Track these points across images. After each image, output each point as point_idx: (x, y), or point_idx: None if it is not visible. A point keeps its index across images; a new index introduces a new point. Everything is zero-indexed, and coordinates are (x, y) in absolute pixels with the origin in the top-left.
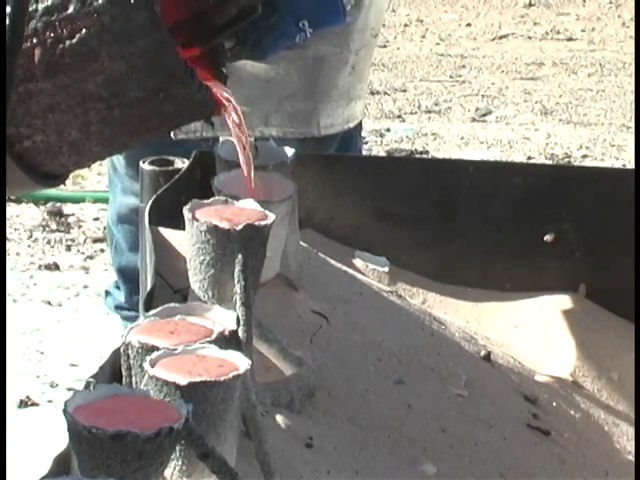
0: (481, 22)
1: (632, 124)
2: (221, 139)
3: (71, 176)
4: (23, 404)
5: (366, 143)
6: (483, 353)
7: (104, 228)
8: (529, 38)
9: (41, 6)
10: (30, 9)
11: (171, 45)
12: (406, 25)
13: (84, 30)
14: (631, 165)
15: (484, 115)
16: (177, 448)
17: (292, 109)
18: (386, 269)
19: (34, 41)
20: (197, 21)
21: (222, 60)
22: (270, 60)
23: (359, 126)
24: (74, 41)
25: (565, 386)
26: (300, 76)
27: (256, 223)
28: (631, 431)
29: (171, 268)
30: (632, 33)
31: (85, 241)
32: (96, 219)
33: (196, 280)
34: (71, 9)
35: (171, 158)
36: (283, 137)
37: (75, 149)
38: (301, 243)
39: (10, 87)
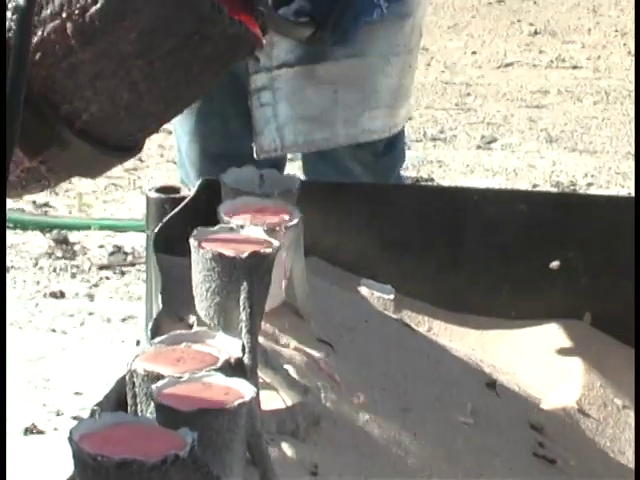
0: (486, 50)
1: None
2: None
3: (76, 203)
4: (28, 432)
5: None
6: (488, 381)
7: (109, 254)
8: (534, 66)
9: None
10: None
11: None
12: None
13: None
14: None
15: (489, 143)
16: (183, 476)
17: (361, 115)
18: (391, 297)
19: (63, 16)
20: None
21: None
22: (335, 69)
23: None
24: (99, 5)
25: (571, 414)
26: (366, 81)
27: (261, 251)
28: None
29: (177, 295)
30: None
31: (90, 268)
32: (101, 246)
33: (202, 307)
34: None
35: (177, 185)
36: (354, 143)
37: (132, 112)
38: (306, 271)
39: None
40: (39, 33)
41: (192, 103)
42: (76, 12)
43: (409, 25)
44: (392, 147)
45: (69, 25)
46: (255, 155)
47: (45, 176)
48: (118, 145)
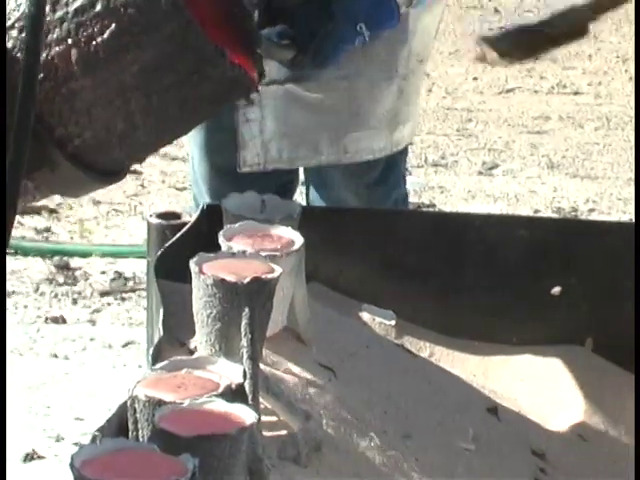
0: (487, 76)
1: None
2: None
3: (78, 229)
4: (29, 458)
5: None
6: (490, 406)
7: (111, 280)
8: (535, 92)
9: (71, 9)
10: (61, 13)
11: (197, 27)
12: None
13: (113, 25)
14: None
15: (491, 169)
16: None
17: (345, 136)
18: (393, 322)
19: (69, 42)
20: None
21: (255, 42)
22: (325, 90)
23: (404, 151)
24: (105, 36)
25: (572, 440)
26: (352, 103)
27: (263, 276)
28: None
29: (178, 321)
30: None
31: (92, 294)
32: (103, 272)
33: (203, 333)
34: (99, 7)
35: (178, 211)
36: (338, 164)
37: (124, 141)
38: (308, 296)
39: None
40: (43, 56)
41: (182, 136)
42: (82, 40)
43: (405, 51)
44: (386, 179)
45: (74, 52)
46: (238, 168)
47: (31, 192)
48: (105, 170)
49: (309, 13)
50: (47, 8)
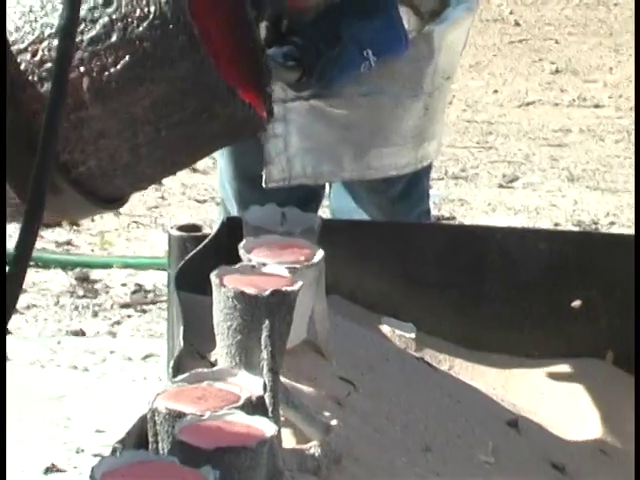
0: (508, 89)
1: None
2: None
3: (98, 241)
4: (49, 470)
5: None
6: (510, 420)
7: (131, 292)
8: (556, 105)
9: (86, 37)
10: (76, 41)
11: (211, 66)
12: None
13: (128, 57)
14: None
15: (511, 181)
16: None
17: (369, 152)
18: (413, 335)
19: (81, 70)
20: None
21: (267, 79)
22: (348, 106)
23: (428, 167)
24: (119, 68)
25: (592, 453)
26: (375, 120)
27: (283, 289)
28: None
29: (199, 334)
30: None
31: (112, 306)
32: (123, 285)
33: (223, 346)
34: (114, 38)
35: (199, 224)
36: (361, 179)
37: (129, 171)
38: (328, 309)
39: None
40: None
41: (186, 169)
42: (95, 69)
43: (430, 68)
44: (409, 194)
45: (86, 80)
46: (264, 184)
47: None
48: (106, 197)
49: (317, 35)
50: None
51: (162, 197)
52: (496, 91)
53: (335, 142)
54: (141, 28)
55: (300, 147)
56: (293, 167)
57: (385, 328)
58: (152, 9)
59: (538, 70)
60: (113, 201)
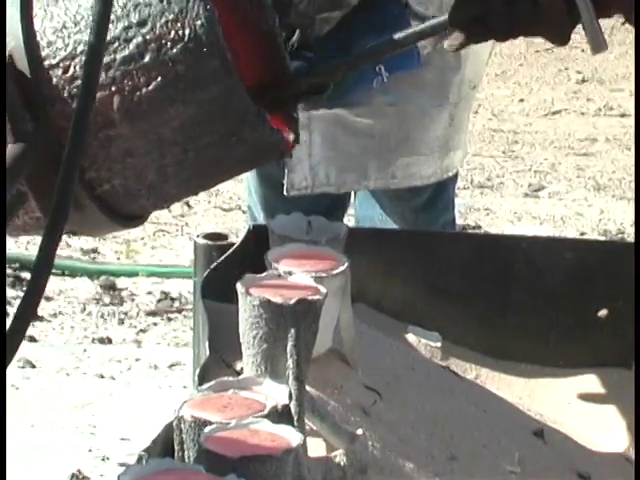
0: (534, 98)
1: None
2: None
3: (124, 250)
4: (74, 478)
5: None
6: (536, 429)
7: (157, 301)
8: (582, 114)
9: (119, 56)
10: (108, 59)
11: (242, 91)
12: None
13: (160, 78)
14: None
15: (537, 191)
16: None
17: (394, 162)
18: (439, 344)
19: (112, 89)
20: (264, 90)
21: (293, 104)
22: (373, 115)
23: (454, 177)
24: (150, 88)
25: (619, 463)
26: (401, 129)
27: (309, 297)
28: None
29: (224, 342)
30: None
31: (138, 314)
32: (149, 293)
33: (249, 354)
34: (147, 58)
35: (225, 232)
36: (385, 189)
37: (153, 191)
38: (353, 318)
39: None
40: None
41: (209, 189)
42: (126, 89)
43: (457, 78)
44: (434, 203)
45: (116, 99)
46: (285, 192)
47: None
48: (127, 215)
49: (328, 51)
50: None
51: (188, 205)
52: (522, 100)
53: (360, 151)
54: (175, 50)
55: (323, 155)
56: (316, 175)
57: (411, 337)
58: (187, 32)
59: (564, 79)
60: (133, 219)
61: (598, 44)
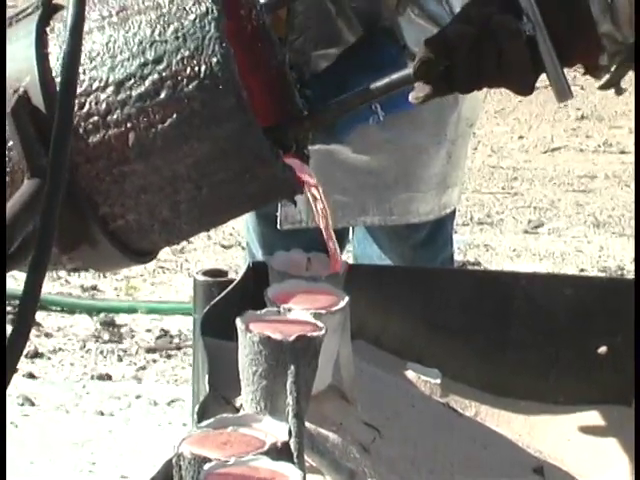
0: (533, 135)
1: None
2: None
3: (124, 286)
4: None
5: None
6: (536, 466)
7: (157, 338)
8: (581, 151)
9: (135, 93)
10: (124, 96)
11: (257, 128)
12: None
13: (175, 115)
14: None
15: (536, 227)
16: None
17: (392, 198)
18: (438, 381)
19: (128, 126)
20: (275, 128)
21: (304, 142)
22: (370, 152)
23: (452, 213)
24: (166, 125)
25: None
26: (399, 166)
27: (308, 334)
28: None
29: (224, 379)
30: None
31: (137, 351)
32: (148, 330)
33: (249, 391)
34: (163, 95)
35: (224, 269)
36: (383, 225)
37: (165, 227)
38: (353, 354)
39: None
40: (100, 134)
41: (220, 225)
42: (142, 126)
43: (454, 116)
44: (433, 240)
45: (132, 136)
46: (279, 225)
47: (63, 263)
48: (138, 251)
49: (325, 88)
50: (110, 89)
51: (188, 241)
52: (521, 137)
53: (356, 187)
54: (191, 87)
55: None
56: (311, 209)
57: (410, 374)
58: (203, 69)
59: (563, 116)
60: (144, 254)
61: (563, 92)
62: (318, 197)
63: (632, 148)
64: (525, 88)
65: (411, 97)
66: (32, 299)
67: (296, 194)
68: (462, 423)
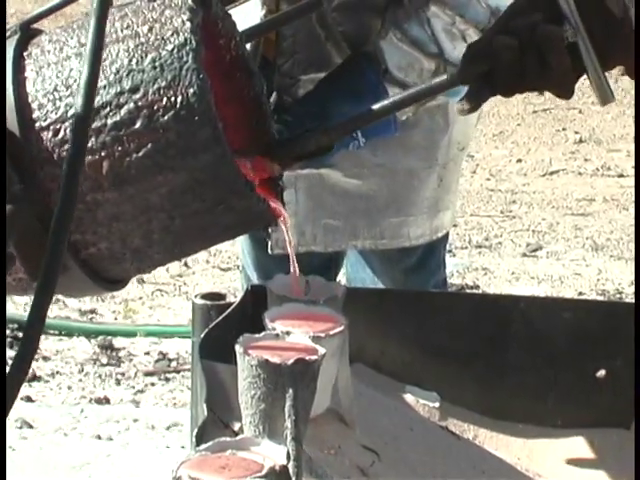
0: (531, 158)
1: None
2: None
3: (122, 309)
4: None
5: None
6: None
7: (155, 361)
8: (580, 174)
9: (110, 121)
10: (99, 124)
11: (232, 160)
12: None
13: (150, 145)
14: None
15: (535, 250)
16: None
17: (383, 222)
18: (437, 404)
19: (102, 154)
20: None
21: (280, 173)
22: (361, 176)
23: (445, 237)
24: (140, 155)
25: None
26: (390, 190)
27: (307, 358)
28: None
29: (222, 402)
30: None
31: (136, 375)
32: (147, 353)
33: (247, 414)
34: (138, 125)
35: (223, 292)
36: (374, 249)
37: (137, 256)
38: (351, 378)
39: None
40: None
41: (192, 255)
42: (116, 154)
43: (445, 140)
44: (424, 265)
45: (105, 164)
46: (269, 250)
47: (33, 289)
48: (109, 279)
49: (305, 114)
50: None
51: (186, 265)
52: (520, 160)
53: (347, 211)
54: (167, 117)
55: (309, 215)
56: (303, 235)
57: (409, 397)
58: (179, 99)
59: (562, 139)
60: (115, 282)
61: (606, 96)
62: (284, 229)
63: (630, 171)
64: (567, 92)
65: (457, 109)
66: (37, 327)
67: (270, 225)
68: (461, 447)
